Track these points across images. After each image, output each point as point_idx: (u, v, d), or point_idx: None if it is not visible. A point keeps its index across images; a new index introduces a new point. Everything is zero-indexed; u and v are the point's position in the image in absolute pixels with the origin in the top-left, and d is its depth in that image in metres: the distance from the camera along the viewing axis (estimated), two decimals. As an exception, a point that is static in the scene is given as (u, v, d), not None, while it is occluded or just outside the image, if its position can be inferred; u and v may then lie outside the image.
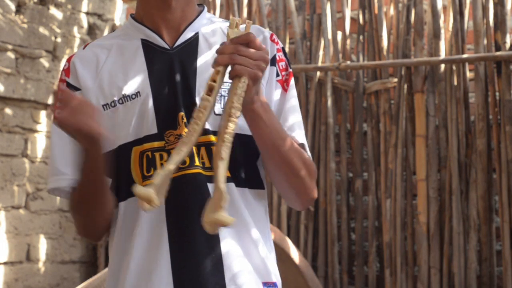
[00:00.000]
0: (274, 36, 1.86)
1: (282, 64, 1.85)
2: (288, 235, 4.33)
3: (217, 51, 1.63)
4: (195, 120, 1.59)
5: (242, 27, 1.66)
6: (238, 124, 1.65)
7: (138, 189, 1.54)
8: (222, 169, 1.56)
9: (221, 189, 1.54)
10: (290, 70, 1.87)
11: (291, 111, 1.84)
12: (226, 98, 1.73)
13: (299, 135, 1.83)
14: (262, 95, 1.70)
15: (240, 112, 1.60)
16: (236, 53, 1.60)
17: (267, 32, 1.86)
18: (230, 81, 1.63)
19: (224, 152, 1.57)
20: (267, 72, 1.81)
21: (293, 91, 1.86)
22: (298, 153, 1.77)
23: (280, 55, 1.85)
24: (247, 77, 1.60)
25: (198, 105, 1.60)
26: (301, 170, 1.77)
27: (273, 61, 1.83)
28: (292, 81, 1.86)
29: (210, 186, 1.73)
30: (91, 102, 1.71)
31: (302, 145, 1.81)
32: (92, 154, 1.70)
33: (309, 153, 1.82)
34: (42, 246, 4.45)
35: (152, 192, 1.53)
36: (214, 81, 1.61)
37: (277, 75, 1.83)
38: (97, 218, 1.81)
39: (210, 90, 1.60)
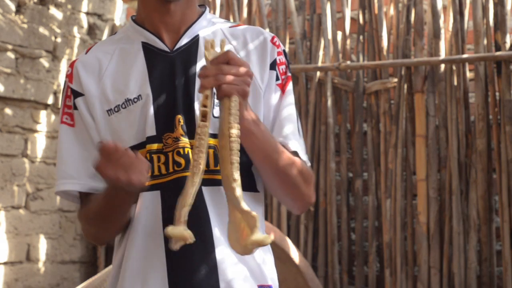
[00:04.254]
0: (276, 39, 1.85)
1: (283, 67, 1.84)
2: (288, 235, 4.33)
3: (200, 76, 1.62)
4: (198, 148, 1.59)
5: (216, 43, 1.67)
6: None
7: (171, 230, 1.56)
8: (239, 191, 1.57)
9: (248, 211, 1.54)
10: (289, 74, 1.86)
11: (286, 119, 1.83)
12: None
13: (293, 141, 1.81)
14: (250, 109, 1.69)
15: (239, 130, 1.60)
16: (220, 73, 1.60)
17: (268, 34, 1.85)
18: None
19: (236, 174, 1.58)
20: (266, 76, 1.80)
21: (290, 97, 1.85)
22: (292, 161, 1.77)
23: (281, 58, 1.84)
24: (236, 95, 1.60)
25: (197, 133, 1.60)
26: (296, 178, 1.77)
27: (273, 65, 1.83)
28: (290, 84, 1.85)
29: (205, 189, 1.73)
30: (141, 157, 1.67)
31: (295, 153, 1.80)
32: (124, 200, 1.71)
33: (304, 158, 1.81)
34: (42, 246, 4.45)
35: (184, 230, 1.56)
36: (205, 106, 1.61)
37: (277, 79, 1.83)
38: (111, 231, 1.82)
39: (204, 116, 1.61)
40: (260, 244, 1.54)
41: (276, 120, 1.81)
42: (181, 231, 1.55)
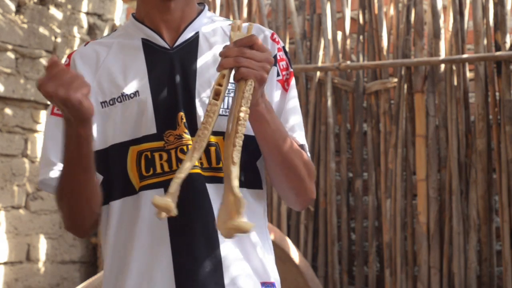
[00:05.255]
0: (275, 36, 1.86)
1: (283, 63, 1.85)
2: (288, 235, 4.33)
3: (221, 54, 1.62)
4: (204, 125, 1.58)
5: (244, 26, 1.66)
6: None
7: (157, 199, 1.54)
8: (235, 174, 1.56)
9: (238, 195, 1.54)
10: (291, 69, 1.86)
11: (291, 111, 1.84)
12: (229, 99, 1.73)
13: (300, 136, 1.83)
14: (265, 96, 1.70)
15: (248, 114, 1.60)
16: (241, 56, 1.60)
17: (268, 31, 1.86)
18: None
19: (236, 156, 1.57)
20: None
21: (293, 91, 1.85)
22: (299, 154, 1.78)
23: (281, 54, 1.85)
24: (253, 79, 1.60)
25: (206, 110, 1.59)
26: (301, 170, 1.78)
27: (274, 61, 1.82)
28: (292, 81, 1.86)
29: (209, 186, 1.73)
30: (84, 77, 1.66)
31: (302, 146, 1.82)
32: (80, 132, 1.66)
33: (308, 154, 1.83)
34: (42, 246, 4.45)
35: (170, 201, 1.54)
36: (220, 85, 1.60)
37: (278, 75, 1.83)
38: (83, 209, 1.78)
39: (217, 94, 1.60)
40: (240, 229, 1.53)
41: (280, 113, 1.81)
42: (165, 202, 1.54)
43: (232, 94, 1.72)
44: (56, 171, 1.79)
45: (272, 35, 1.85)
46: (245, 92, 1.59)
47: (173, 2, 1.81)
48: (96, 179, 1.76)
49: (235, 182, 1.56)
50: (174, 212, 1.55)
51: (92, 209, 1.78)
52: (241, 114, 1.58)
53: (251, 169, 1.79)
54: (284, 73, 1.84)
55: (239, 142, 1.57)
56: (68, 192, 1.76)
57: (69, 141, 1.68)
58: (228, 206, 1.55)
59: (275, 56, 1.83)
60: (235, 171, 1.56)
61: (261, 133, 1.71)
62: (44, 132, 1.84)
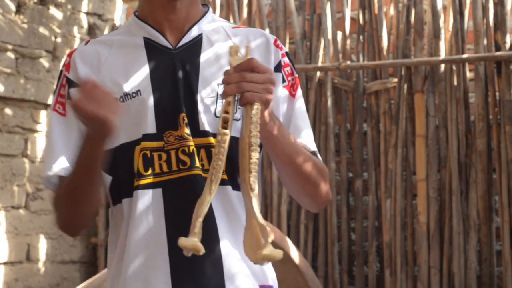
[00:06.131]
0: (279, 42, 1.85)
1: (288, 69, 1.84)
2: (288, 235, 4.33)
3: (223, 81, 1.62)
4: (217, 155, 1.58)
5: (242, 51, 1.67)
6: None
7: (183, 241, 1.55)
8: (255, 201, 1.57)
9: (263, 225, 1.54)
10: (296, 75, 1.85)
11: (300, 117, 1.83)
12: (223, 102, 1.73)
13: (310, 142, 1.83)
14: (273, 115, 1.69)
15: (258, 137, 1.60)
16: (243, 81, 1.59)
17: (271, 36, 1.85)
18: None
19: (254, 183, 1.57)
20: None
21: (300, 98, 1.85)
22: (312, 161, 1.78)
23: (285, 60, 1.84)
24: (258, 103, 1.60)
25: (217, 140, 1.59)
26: (316, 177, 1.78)
27: (278, 67, 1.82)
28: (299, 88, 1.85)
29: None
30: (112, 94, 1.68)
31: (313, 153, 1.81)
32: (98, 146, 1.68)
33: (320, 158, 1.83)
34: (42, 246, 4.45)
35: (197, 241, 1.56)
36: (227, 112, 1.60)
37: (284, 81, 1.82)
38: (82, 213, 1.78)
39: (225, 122, 1.60)
40: (272, 259, 1.54)
41: (290, 119, 1.81)
42: (194, 243, 1.55)
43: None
44: (61, 169, 1.78)
45: (276, 41, 1.84)
46: (253, 117, 1.59)
47: (179, 2, 1.80)
48: (100, 187, 1.77)
49: (257, 210, 1.56)
50: (203, 251, 1.56)
51: (89, 214, 1.80)
52: (253, 140, 1.58)
53: None
54: (289, 78, 1.83)
55: (254, 167, 1.58)
56: (70, 198, 1.77)
57: (84, 156, 1.70)
58: (253, 231, 1.56)
59: (279, 62, 1.82)
60: (255, 200, 1.57)
61: (272, 150, 1.72)
62: (48, 128, 1.85)
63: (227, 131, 1.59)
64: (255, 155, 1.58)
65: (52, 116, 1.83)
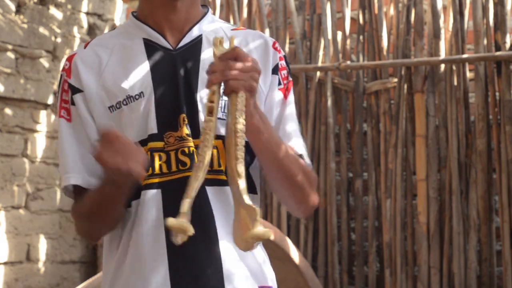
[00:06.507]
0: (277, 44, 1.86)
1: (284, 72, 1.84)
2: (288, 235, 4.33)
3: (207, 72, 1.63)
4: (203, 143, 1.60)
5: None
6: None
7: (171, 222, 1.55)
8: (243, 187, 1.57)
9: (250, 205, 1.55)
10: (291, 79, 1.87)
11: (289, 119, 1.84)
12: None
13: (298, 144, 1.82)
14: (258, 106, 1.69)
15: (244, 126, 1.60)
16: (227, 69, 1.60)
17: (269, 39, 1.86)
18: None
19: (240, 169, 1.58)
20: (268, 81, 1.81)
21: (292, 100, 1.86)
22: (297, 162, 1.77)
23: (282, 63, 1.84)
24: (243, 91, 1.60)
25: (203, 128, 1.61)
26: (300, 178, 1.77)
27: (276, 70, 1.83)
28: (291, 91, 1.86)
29: (208, 189, 1.72)
30: (137, 145, 1.68)
31: (300, 156, 1.81)
32: (122, 190, 1.69)
33: (308, 161, 1.82)
34: (42, 246, 4.45)
35: (185, 222, 1.55)
36: (212, 101, 1.61)
37: (279, 83, 1.83)
38: (103, 228, 1.80)
39: (210, 112, 1.61)
40: (260, 237, 1.54)
41: (280, 122, 1.81)
42: (181, 223, 1.55)
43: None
44: (78, 179, 1.79)
45: (274, 43, 1.85)
46: (238, 104, 1.60)
47: (179, 2, 1.80)
48: (124, 211, 1.77)
49: (245, 194, 1.57)
50: (191, 231, 1.55)
51: (111, 228, 1.80)
52: (238, 126, 1.59)
53: (245, 174, 1.79)
54: (285, 82, 1.84)
55: (241, 154, 1.58)
56: (93, 220, 1.78)
57: (108, 193, 1.70)
58: (241, 220, 1.56)
59: (277, 65, 1.83)
60: (242, 184, 1.58)
61: (256, 143, 1.71)
62: (59, 135, 1.84)
63: (212, 117, 1.60)
64: (241, 142, 1.59)
65: (60, 122, 1.83)
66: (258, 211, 1.54)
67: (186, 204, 1.56)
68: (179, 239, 1.57)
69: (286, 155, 1.74)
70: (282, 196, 1.85)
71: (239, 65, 1.61)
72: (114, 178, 1.65)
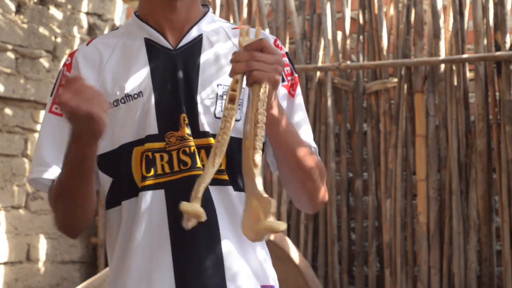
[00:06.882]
0: (278, 41, 1.86)
1: (287, 69, 1.84)
2: (288, 235, 4.33)
3: (232, 60, 1.62)
4: (223, 130, 1.58)
5: (252, 31, 1.66)
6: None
7: (185, 206, 1.54)
8: (258, 176, 1.56)
9: (265, 196, 1.53)
10: (296, 75, 1.86)
11: (300, 115, 1.84)
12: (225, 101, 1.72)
13: (310, 140, 1.83)
14: (278, 99, 1.69)
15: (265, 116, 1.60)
16: (252, 60, 1.59)
17: (270, 37, 1.86)
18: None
19: (258, 159, 1.56)
20: None
21: (299, 96, 1.85)
22: (312, 156, 1.78)
23: (285, 60, 1.84)
24: (266, 82, 1.60)
25: (223, 115, 1.59)
26: (315, 173, 1.77)
27: None
28: (298, 87, 1.86)
29: (211, 188, 1.72)
30: (101, 92, 1.67)
31: (314, 149, 1.82)
32: (86, 145, 1.65)
33: (319, 157, 1.83)
34: (42, 246, 4.45)
35: (199, 207, 1.54)
36: (234, 90, 1.60)
37: (283, 80, 1.83)
38: (77, 214, 1.78)
39: (231, 100, 1.60)
40: (273, 229, 1.52)
41: (290, 118, 1.81)
42: (195, 208, 1.53)
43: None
44: (50, 173, 1.78)
45: (275, 41, 1.85)
46: (261, 95, 1.59)
47: (179, 2, 1.80)
48: (94, 188, 1.76)
49: (259, 184, 1.55)
50: (204, 217, 1.54)
51: (86, 214, 1.78)
52: (259, 117, 1.58)
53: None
54: (289, 78, 1.84)
55: (259, 145, 1.57)
56: (65, 198, 1.76)
57: (73, 155, 1.67)
58: (252, 210, 1.54)
59: None
60: (257, 173, 1.56)
61: (275, 136, 1.71)
62: (41, 129, 1.83)
63: (234, 106, 1.59)
64: (261, 132, 1.57)
65: (47, 117, 1.82)
66: (273, 203, 1.53)
67: (200, 190, 1.56)
68: (190, 224, 1.56)
69: (302, 149, 1.75)
70: (295, 191, 1.84)
71: (264, 56, 1.60)
72: (76, 128, 1.63)
